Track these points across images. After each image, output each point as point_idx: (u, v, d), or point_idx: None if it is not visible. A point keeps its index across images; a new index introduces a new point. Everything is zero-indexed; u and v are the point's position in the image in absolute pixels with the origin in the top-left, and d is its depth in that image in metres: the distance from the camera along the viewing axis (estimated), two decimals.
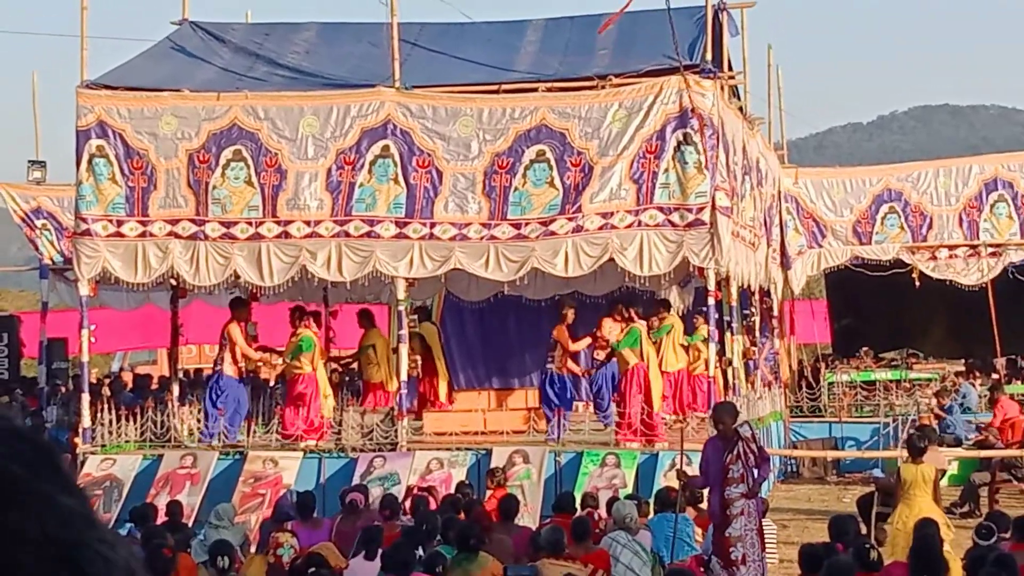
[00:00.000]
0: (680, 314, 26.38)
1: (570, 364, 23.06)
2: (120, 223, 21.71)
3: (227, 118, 21.79)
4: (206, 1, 26.95)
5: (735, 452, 14.72)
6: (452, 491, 18.53)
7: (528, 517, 18.27)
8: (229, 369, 22.59)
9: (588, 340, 23.09)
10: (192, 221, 21.70)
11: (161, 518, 17.05)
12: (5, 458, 0.93)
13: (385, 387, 24.19)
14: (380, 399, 24.07)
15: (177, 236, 21.66)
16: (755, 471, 14.81)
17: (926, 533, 12.73)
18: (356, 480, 20.01)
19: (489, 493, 18.31)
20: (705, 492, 16.01)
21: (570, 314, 22.89)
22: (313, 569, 12.93)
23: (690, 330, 25.04)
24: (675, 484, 17.18)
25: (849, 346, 36.44)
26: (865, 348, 36.09)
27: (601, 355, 23.05)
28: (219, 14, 26.31)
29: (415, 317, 26.04)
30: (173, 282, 23.23)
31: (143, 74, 22.86)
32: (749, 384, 25.69)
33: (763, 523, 15.72)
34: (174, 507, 17.75)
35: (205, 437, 22.29)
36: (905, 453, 18.33)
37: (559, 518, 15.70)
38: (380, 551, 13.24)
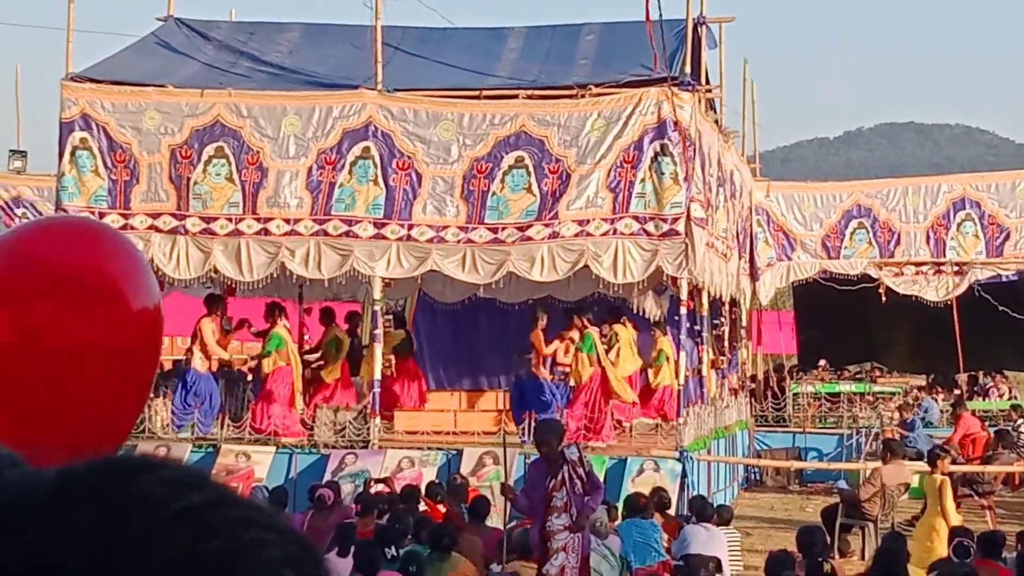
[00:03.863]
0: (655, 321, 26.65)
1: (541, 369, 23.29)
2: (102, 215, 21.83)
3: (210, 115, 21.99)
4: None
5: (559, 477, 13.21)
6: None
7: (497, 518, 18.47)
8: (199, 363, 22.75)
9: (558, 344, 23.21)
10: (173, 215, 21.90)
11: None
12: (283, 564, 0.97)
13: (338, 386, 23.95)
14: (331, 398, 23.75)
15: (158, 230, 21.84)
16: (583, 499, 13.28)
17: (891, 548, 13.03)
18: (327, 476, 20.20)
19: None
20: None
21: (543, 320, 23.15)
22: None
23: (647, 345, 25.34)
24: (645, 490, 17.49)
25: (814, 358, 36.85)
26: (823, 361, 36.50)
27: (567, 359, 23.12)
28: (204, 11, 26.49)
29: (390, 317, 26.23)
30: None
31: (128, 68, 23.05)
32: (717, 393, 25.99)
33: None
34: None
35: (175, 429, 22.43)
36: (870, 465, 18.65)
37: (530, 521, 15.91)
38: (352, 548, 13.42)
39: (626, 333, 23.99)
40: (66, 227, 4.47)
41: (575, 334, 22.62)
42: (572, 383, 22.51)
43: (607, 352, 22.98)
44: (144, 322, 3.83)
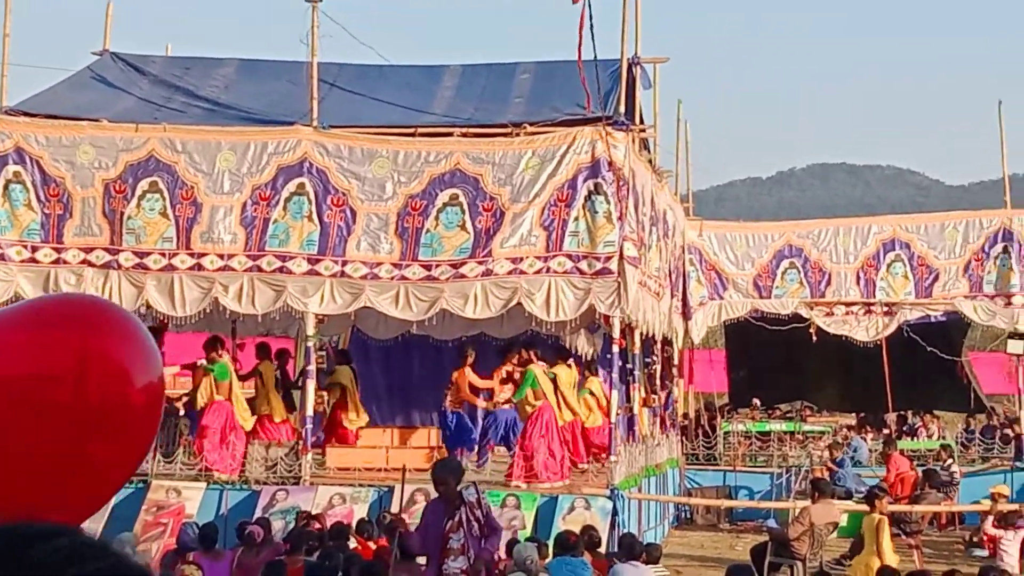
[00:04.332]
0: (586, 362, 26.76)
1: (472, 398, 23.31)
2: (35, 249, 21.83)
3: (145, 149, 21.96)
4: (127, 33, 27.06)
5: (457, 519, 12.83)
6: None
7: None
8: None
9: (493, 382, 23.21)
10: (106, 250, 21.84)
11: None
12: None
13: (271, 419, 23.87)
14: (264, 431, 23.68)
15: (90, 264, 21.78)
16: (481, 542, 12.95)
17: None
18: (258, 513, 20.14)
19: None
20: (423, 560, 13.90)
21: (471, 357, 23.23)
22: None
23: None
24: (575, 528, 17.52)
25: (745, 396, 37.09)
26: (755, 400, 36.77)
27: (505, 395, 23.10)
28: (140, 46, 26.49)
29: (323, 354, 26.19)
30: None
31: (63, 102, 23.02)
32: (649, 431, 26.08)
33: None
34: None
35: None
36: (799, 504, 18.77)
37: None
38: None
39: (567, 375, 23.79)
40: (78, 307, 4.96)
41: (510, 367, 22.70)
42: (519, 419, 22.53)
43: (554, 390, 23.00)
44: (148, 394, 4.36)
